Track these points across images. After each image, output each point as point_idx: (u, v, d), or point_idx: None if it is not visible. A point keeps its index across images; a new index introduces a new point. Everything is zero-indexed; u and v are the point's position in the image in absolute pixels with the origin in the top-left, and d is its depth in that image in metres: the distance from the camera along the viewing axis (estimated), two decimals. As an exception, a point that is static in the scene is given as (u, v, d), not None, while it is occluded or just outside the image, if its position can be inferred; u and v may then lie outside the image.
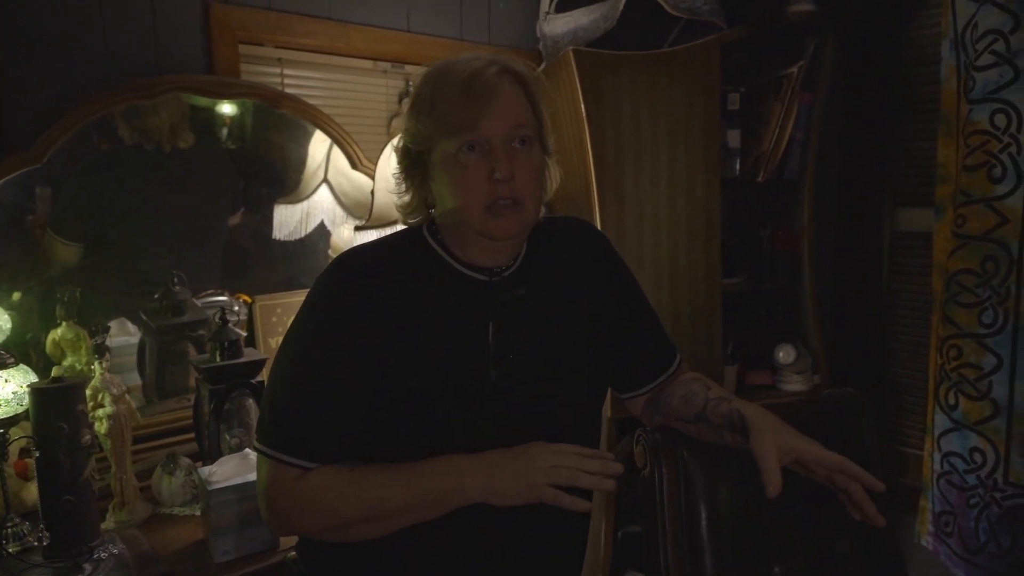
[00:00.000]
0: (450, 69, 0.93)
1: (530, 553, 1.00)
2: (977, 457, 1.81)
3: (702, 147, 2.05)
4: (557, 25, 2.20)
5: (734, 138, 2.13)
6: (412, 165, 0.99)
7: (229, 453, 1.47)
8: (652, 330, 1.17)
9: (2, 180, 1.44)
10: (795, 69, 2.06)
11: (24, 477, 1.44)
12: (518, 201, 0.93)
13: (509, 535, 0.98)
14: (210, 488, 1.27)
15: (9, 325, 1.54)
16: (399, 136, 1.02)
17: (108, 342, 1.50)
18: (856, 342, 2.34)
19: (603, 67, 1.92)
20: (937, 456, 1.90)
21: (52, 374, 1.45)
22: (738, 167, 2.15)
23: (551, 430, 0.98)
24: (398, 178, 1.02)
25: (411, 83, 2.21)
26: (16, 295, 1.56)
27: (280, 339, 1.85)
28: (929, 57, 2.03)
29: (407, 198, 1.02)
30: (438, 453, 0.94)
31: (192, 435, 1.64)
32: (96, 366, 1.43)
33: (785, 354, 2.18)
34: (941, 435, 1.89)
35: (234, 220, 1.89)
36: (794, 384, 2.20)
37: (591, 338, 1.06)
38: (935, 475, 1.92)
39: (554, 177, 1.04)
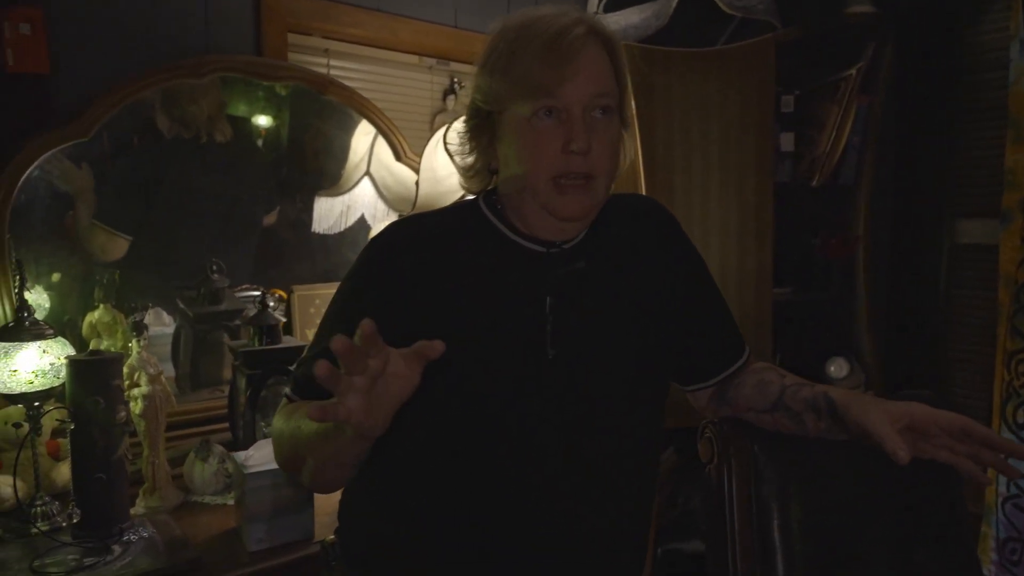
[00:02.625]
0: (532, 23, 0.85)
1: (578, 553, 0.92)
2: (1049, 479, 1.71)
3: (754, 149, 1.98)
4: (606, 23, 2.16)
5: (787, 141, 2.06)
6: (480, 125, 0.92)
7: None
8: (722, 319, 1.07)
9: (48, 152, 1.41)
10: (853, 71, 1.99)
11: (55, 457, 1.40)
12: (590, 177, 0.86)
13: (553, 531, 0.90)
14: (246, 472, 1.22)
15: (48, 304, 1.52)
16: (470, 94, 0.94)
17: (148, 333, 1.47)
18: (912, 357, 2.23)
19: (655, 64, 1.87)
20: (1003, 479, 1.79)
21: (91, 347, 1.41)
22: (791, 171, 2.08)
23: (609, 412, 0.92)
24: (463, 137, 0.95)
25: (456, 79, 2.18)
26: (56, 276, 1.54)
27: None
28: (994, 61, 1.96)
29: (470, 159, 0.95)
30: (489, 436, 0.87)
31: (226, 424, 1.59)
32: (133, 344, 1.39)
33: (837, 368, 2.09)
34: (1008, 456, 1.78)
35: (274, 212, 1.86)
36: (846, 399, 2.10)
37: (655, 321, 0.97)
38: (1000, 499, 1.81)
39: (628, 153, 0.96)
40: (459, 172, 0.98)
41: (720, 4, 1.97)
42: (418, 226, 0.95)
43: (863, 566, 1.04)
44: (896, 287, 2.26)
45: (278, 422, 0.91)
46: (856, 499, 1.07)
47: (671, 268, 1.01)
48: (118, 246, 1.62)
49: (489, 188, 0.98)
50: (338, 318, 0.92)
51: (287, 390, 0.94)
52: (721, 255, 2.00)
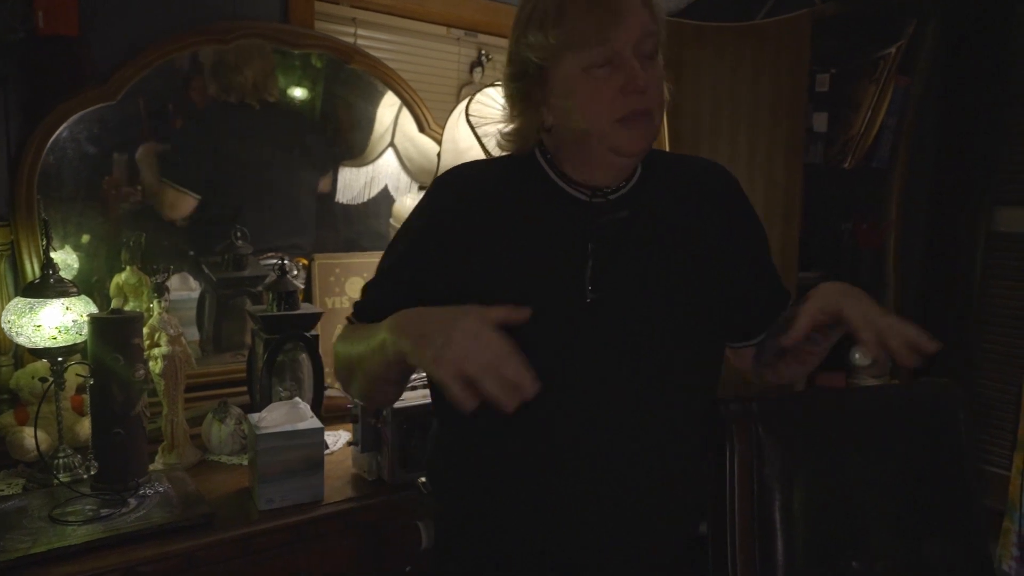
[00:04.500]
0: None
1: (629, 493, 0.95)
2: (1076, 476, 1.66)
3: (785, 129, 1.93)
4: (638, -2, 2.12)
5: (820, 122, 2.01)
6: (529, 85, 0.94)
7: (279, 404, 1.45)
8: (770, 280, 1.09)
9: (77, 115, 1.44)
10: (893, 50, 1.93)
11: (79, 412, 1.45)
12: (649, 112, 0.91)
13: (604, 471, 0.93)
14: (258, 433, 1.24)
15: (77, 265, 1.56)
16: (507, 60, 0.98)
17: (170, 295, 1.50)
18: (942, 345, 2.18)
19: (686, 38, 1.84)
20: (1027, 475, 1.75)
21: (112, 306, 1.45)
22: (823, 153, 2.03)
23: (649, 357, 0.94)
24: (510, 101, 0.98)
25: (484, 51, 2.16)
26: (85, 237, 1.58)
27: (337, 299, 1.84)
28: (1044, 44, 1.88)
29: (519, 122, 0.98)
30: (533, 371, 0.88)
31: (244, 388, 1.62)
32: (155, 305, 1.42)
33: (862, 355, 2.04)
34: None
35: (298, 179, 1.88)
36: (870, 387, 2.07)
37: (702, 272, 1.00)
38: (1023, 494, 1.76)
39: (668, 92, 0.99)
40: (504, 139, 1.01)
41: (756, -22, 1.92)
42: (477, 171, 1.06)
43: (867, 554, 1.03)
44: (930, 274, 2.20)
45: (338, 344, 1.02)
46: (863, 486, 1.05)
47: (725, 225, 1.03)
48: (187, 203, 1.68)
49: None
50: (401, 252, 1.02)
51: (349, 315, 1.05)
52: (747, 236, 1.97)
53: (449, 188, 1.02)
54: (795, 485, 1.02)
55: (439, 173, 1.79)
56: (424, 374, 1.04)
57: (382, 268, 1.04)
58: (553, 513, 0.94)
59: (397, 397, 1.06)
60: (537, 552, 0.96)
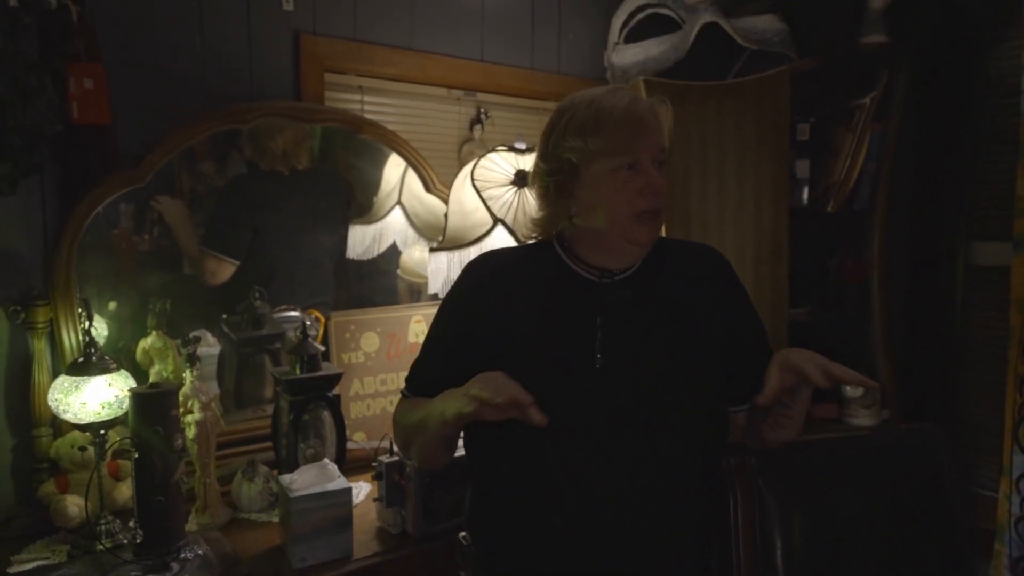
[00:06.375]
0: (601, 98, 1.08)
1: (636, 543, 1.07)
2: (1059, 501, 1.75)
3: (770, 176, 2.05)
4: (626, 55, 2.24)
5: (803, 168, 2.12)
6: (565, 179, 1.10)
7: (305, 463, 1.53)
8: (760, 350, 1.21)
9: (109, 198, 1.54)
10: (868, 100, 2.05)
11: (116, 477, 1.52)
12: (660, 211, 1.10)
13: (613, 521, 1.06)
14: (291, 496, 1.32)
15: (106, 332, 1.64)
16: (540, 159, 1.15)
17: (201, 363, 1.58)
18: (927, 377, 2.28)
19: (673, 97, 1.93)
20: (1016, 499, 1.84)
21: (151, 379, 1.53)
22: (806, 197, 2.14)
23: (652, 415, 1.08)
24: (543, 192, 1.15)
25: (483, 109, 2.27)
26: (112, 304, 1.66)
27: (353, 355, 1.93)
28: (1010, 89, 1.99)
29: (549, 211, 1.15)
30: (550, 429, 1.02)
31: (268, 443, 1.70)
32: (187, 374, 1.51)
33: (853, 388, 2.15)
34: (1020, 477, 1.83)
35: (312, 239, 1.97)
36: (861, 419, 2.16)
37: (696, 342, 1.14)
38: (1013, 519, 1.85)
39: None
40: (534, 225, 1.19)
41: (736, 37, 2.04)
42: (500, 256, 1.24)
43: (863, 591, 1.12)
44: (912, 308, 2.31)
45: (396, 415, 1.23)
46: (858, 526, 1.14)
47: (718, 301, 1.19)
48: (226, 270, 1.81)
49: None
50: (439, 330, 1.20)
51: (403, 389, 1.24)
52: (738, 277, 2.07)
53: (477, 271, 1.20)
54: (794, 529, 1.11)
55: (446, 234, 1.89)
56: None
57: (425, 346, 1.22)
58: (578, 556, 1.07)
59: (448, 460, 1.21)
60: None
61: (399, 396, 1.26)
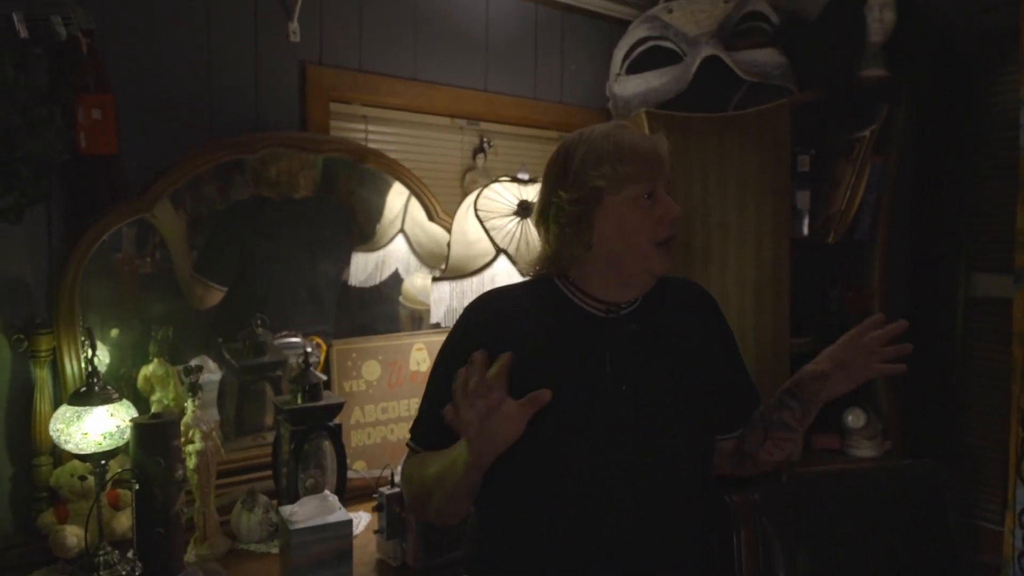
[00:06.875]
0: (617, 132, 1.14)
1: (645, 555, 1.09)
2: (1063, 536, 1.73)
3: (771, 207, 2.07)
4: (628, 86, 2.27)
5: (803, 199, 2.14)
6: (588, 208, 1.12)
7: (305, 493, 1.52)
8: (744, 382, 1.29)
9: (114, 228, 1.55)
10: (868, 133, 2.07)
11: (115, 507, 1.51)
12: (674, 239, 1.15)
13: (625, 539, 1.08)
14: (291, 528, 1.32)
15: (108, 360, 1.64)
16: (560, 189, 1.14)
17: (203, 392, 1.59)
18: (929, 409, 2.27)
19: (675, 128, 1.97)
20: (1019, 533, 1.83)
21: (152, 409, 1.53)
22: (807, 228, 2.15)
23: (660, 439, 1.11)
24: (562, 222, 1.14)
25: (486, 139, 2.29)
26: (114, 332, 1.66)
27: (354, 383, 1.93)
28: (1009, 121, 2.01)
29: (564, 242, 1.15)
30: (566, 459, 1.08)
31: (268, 472, 1.69)
32: (189, 404, 1.51)
33: (855, 418, 2.14)
34: (1023, 511, 1.82)
35: (315, 267, 1.98)
36: (863, 450, 2.15)
37: (693, 372, 1.19)
38: (1016, 553, 1.84)
39: None
40: (541, 259, 1.21)
41: (737, 70, 2.06)
42: (501, 295, 1.24)
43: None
44: (914, 337, 2.30)
45: (407, 470, 1.20)
46: (860, 559, 1.14)
47: (708, 334, 1.25)
48: (214, 296, 1.81)
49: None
50: (441, 371, 1.18)
51: (409, 441, 1.21)
52: (739, 308, 2.08)
53: (479, 313, 1.20)
54: (798, 565, 1.11)
55: (449, 264, 1.90)
56: None
57: (428, 396, 1.20)
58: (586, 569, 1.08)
59: (466, 513, 1.19)
60: None
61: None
